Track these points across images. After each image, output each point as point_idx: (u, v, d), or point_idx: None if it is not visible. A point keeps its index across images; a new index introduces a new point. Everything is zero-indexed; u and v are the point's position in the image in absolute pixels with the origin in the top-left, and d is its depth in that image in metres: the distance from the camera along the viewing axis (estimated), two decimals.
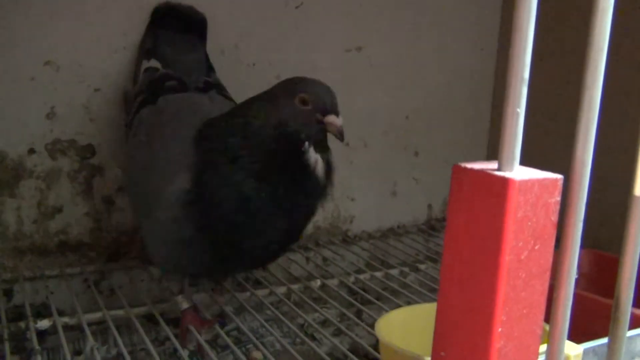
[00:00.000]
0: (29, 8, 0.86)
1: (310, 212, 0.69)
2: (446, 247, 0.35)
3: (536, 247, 0.33)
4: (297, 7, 1.04)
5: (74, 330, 0.82)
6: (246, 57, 1.02)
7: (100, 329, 0.84)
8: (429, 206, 1.24)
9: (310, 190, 0.66)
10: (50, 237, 0.92)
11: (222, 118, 0.69)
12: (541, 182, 0.32)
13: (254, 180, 0.63)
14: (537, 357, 0.35)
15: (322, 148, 0.66)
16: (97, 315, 0.79)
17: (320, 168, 0.65)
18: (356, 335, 0.79)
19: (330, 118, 0.64)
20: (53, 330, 0.78)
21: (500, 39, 1.23)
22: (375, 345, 0.78)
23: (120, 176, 0.92)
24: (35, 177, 0.90)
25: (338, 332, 0.83)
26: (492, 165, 0.33)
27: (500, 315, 0.33)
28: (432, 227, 1.22)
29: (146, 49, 0.89)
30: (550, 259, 0.34)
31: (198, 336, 0.75)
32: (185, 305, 0.79)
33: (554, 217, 0.33)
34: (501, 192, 0.32)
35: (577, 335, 0.45)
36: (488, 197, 0.32)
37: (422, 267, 1.00)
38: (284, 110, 0.65)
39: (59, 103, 0.90)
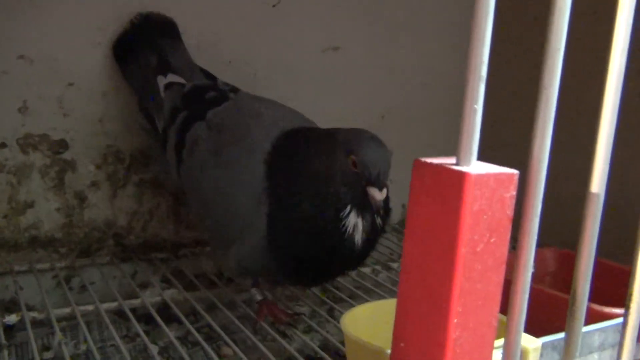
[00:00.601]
0: (2, 1, 0.86)
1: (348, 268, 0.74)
2: (406, 239, 0.36)
3: (492, 240, 0.34)
4: (274, 6, 1.05)
5: (43, 326, 0.82)
6: (222, 55, 1.02)
7: (70, 325, 0.84)
8: (403, 206, 1.25)
9: (344, 255, 0.67)
10: (21, 232, 0.91)
11: (286, 156, 0.70)
12: (497, 176, 0.33)
13: (309, 238, 0.66)
14: (492, 347, 0.36)
15: (365, 210, 0.65)
16: (66, 311, 0.79)
17: (358, 235, 0.66)
18: (327, 332, 0.80)
19: (372, 190, 0.63)
20: (21, 326, 0.78)
21: None
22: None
23: (174, 185, 0.91)
24: (6, 171, 0.89)
25: (309, 330, 0.84)
26: (450, 160, 0.34)
27: (457, 306, 0.33)
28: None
29: (155, 65, 0.88)
30: (506, 252, 0.35)
31: (169, 333, 0.75)
32: (259, 297, 0.82)
33: (510, 211, 0.34)
34: (458, 185, 0.32)
35: (541, 332, 0.46)
36: (446, 191, 0.33)
37: (394, 265, 1.01)
38: (336, 163, 0.65)
39: (32, 97, 0.89)
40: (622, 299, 0.48)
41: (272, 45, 1.06)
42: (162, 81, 0.87)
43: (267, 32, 1.05)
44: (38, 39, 0.88)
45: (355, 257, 0.69)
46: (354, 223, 0.65)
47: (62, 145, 0.92)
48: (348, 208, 0.64)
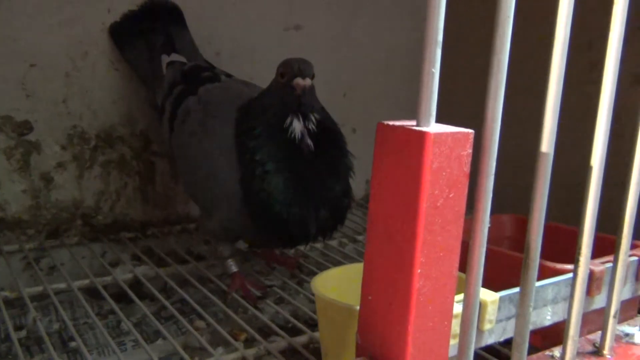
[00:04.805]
0: None
1: (331, 187, 0.74)
2: (372, 198, 0.38)
3: (451, 195, 0.36)
4: None
5: (15, 307, 0.82)
6: None
7: (42, 305, 0.84)
8: (367, 182, 1.28)
9: (308, 162, 0.72)
10: None
11: (245, 111, 0.77)
12: (454, 135, 0.35)
13: (278, 177, 0.71)
14: (454, 295, 0.39)
15: (307, 117, 0.72)
16: (38, 289, 0.80)
17: (306, 138, 0.72)
18: (297, 303, 0.83)
19: (295, 80, 0.70)
20: None
21: None
22: (315, 311, 0.81)
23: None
24: None
25: (280, 301, 0.86)
26: (411, 122, 0.37)
27: (420, 257, 0.36)
28: None
29: (161, 44, 0.96)
30: (464, 207, 0.37)
31: (144, 307, 0.76)
32: (234, 268, 0.85)
33: (466, 168, 0.37)
34: (418, 144, 0.35)
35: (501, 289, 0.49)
36: (407, 150, 0.36)
37: (360, 238, 1.04)
38: (271, 87, 0.75)
39: None
40: (573, 258, 0.51)
41: (235, 25, 1.07)
42: (165, 60, 0.95)
43: (230, 11, 1.06)
44: None
45: (316, 163, 0.73)
46: (300, 129, 0.71)
47: (26, 126, 0.91)
48: (289, 118, 0.71)
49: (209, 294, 0.81)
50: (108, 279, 0.85)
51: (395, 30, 1.24)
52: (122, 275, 0.86)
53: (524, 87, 0.81)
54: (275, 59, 1.12)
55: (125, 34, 0.96)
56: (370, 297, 0.40)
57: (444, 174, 0.35)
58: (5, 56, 0.89)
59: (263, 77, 1.01)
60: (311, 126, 0.72)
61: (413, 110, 1.26)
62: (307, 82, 0.70)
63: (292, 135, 0.71)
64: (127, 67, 0.98)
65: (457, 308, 0.41)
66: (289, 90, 0.71)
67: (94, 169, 0.98)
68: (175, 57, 0.94)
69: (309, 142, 0.72)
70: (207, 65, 0.95)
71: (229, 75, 0.93)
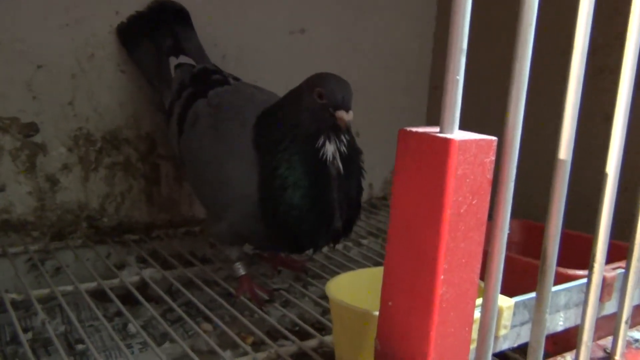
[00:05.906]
0: None
1: (350, 204, 0.74)
2: (393, 204, 0.38)
3: (474, 202, 0.36)
4: None
5: (20, 309, 0.82)
6: None
7: (47, 307, 0.84)
8: (370, 185, 1.28)
9: (334, 183, 0.71)
10: None
11: (267, 118, 0.76)
12: (478, 142, 0.36)
13: (297, 185, 0.70)
14: (475, 302, 0.39)
15: (339, 140, 0.71)
16: (45, 291, 0.79)
17: (337, 161, 0.71)
18: (304, 305, 0.83)
19: (340, 113, 0.69)
20: None
21: (437, 25, 1.28)
22: (322, 314, 0.81)
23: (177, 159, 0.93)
24: None
25: (286, 304, 0.86)
26: (434, 129, 0.37)
27: (443, 263, 0.36)
28: (373, 205, 1.26)
29: (168, 46, 0.96)
30: (486, 213, 0.38)
31: (152, 310, 0.76)
32: (242, 272, 0.85)
33: (489, 175, 0.37)
34: (443, 151, 0.35)
35: (514, 295, 0.49)
36: (431, 157, 0.36)
37: (364, 242, 1.04)
38: (304, 103, 0.72)
39: (0, 80, 0.88)
40: (583, 264, 0.51)
41: (241, 28, 1.07)
42: (173, 62, 0.95)
43: (236, 14, 1.06)
44: (4, 21, 0.87)
45: (343, 185, 0.72)
46: (332, 152, 0.71)
47: (33, 128, 0.91)
48: (322, 138, 0.71)
49: (216, 297, 0.81)
50: (115, 281, 0.84)
51: (399, 35, 1.25)
52: (128, 277, 0.86)
53: (530, 91, 0.81)
54: (281, 62, 1.13)
55: (132, 34, 0.96)
56: (390, 303, 0.40)
57: (467, 180, 0.36)
58: (12, 57, 0.88)
59: (268, 79, 1.01)
60: (343, 148, 0.71)
61: (416, 114, 1.26)
62: (351, 115, 0.69)
63: (324, 157, 0.70)
64: (133, 70, 0.98)
65: (475, 313, 0.41)
66: (327, 114, 0.70)
67: (99, 171, 0.97)
68: (183, 59, 0.94)
69: (340, 165, 0.71)
70: (215, 68, 0.94)
71: (236, 79, 0.93)
